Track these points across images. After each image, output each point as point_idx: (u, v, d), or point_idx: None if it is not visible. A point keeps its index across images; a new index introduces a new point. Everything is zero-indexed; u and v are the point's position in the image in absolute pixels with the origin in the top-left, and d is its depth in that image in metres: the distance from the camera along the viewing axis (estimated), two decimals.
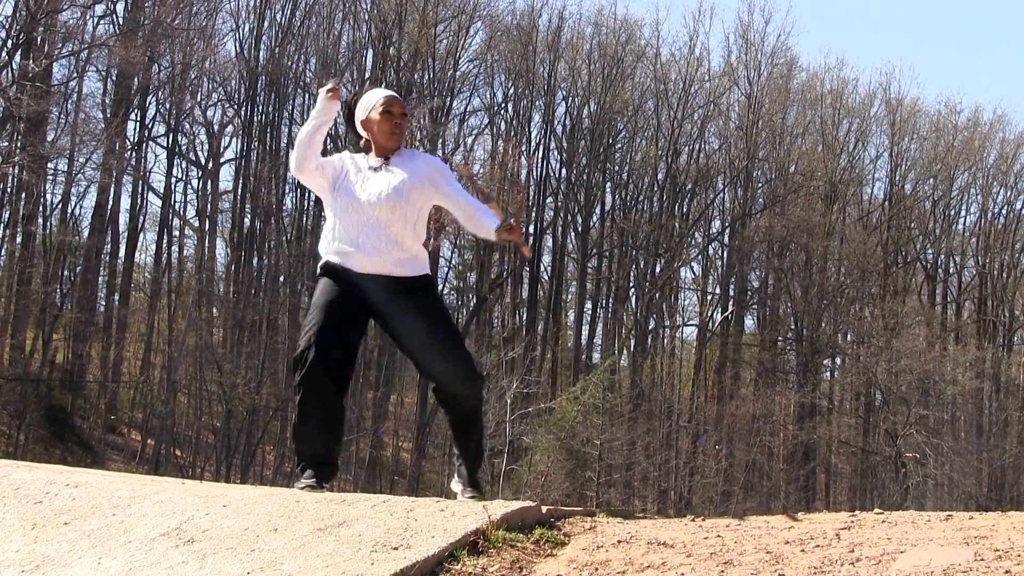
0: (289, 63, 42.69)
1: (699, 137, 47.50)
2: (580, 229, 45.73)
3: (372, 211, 4.73)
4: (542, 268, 46.64)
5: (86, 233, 38.69)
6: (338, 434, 4.88)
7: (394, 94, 4.94)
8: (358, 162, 4.87)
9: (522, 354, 36.10)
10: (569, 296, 48.10)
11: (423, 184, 4.81)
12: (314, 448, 4.76)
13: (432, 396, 5.05)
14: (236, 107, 41.88)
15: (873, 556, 3.31)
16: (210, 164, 41.05)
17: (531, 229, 45.34)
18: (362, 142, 4.92)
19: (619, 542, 3.69)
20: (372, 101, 4.86)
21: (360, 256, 4.73)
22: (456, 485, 4.90)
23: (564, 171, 46.25)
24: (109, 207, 38.69)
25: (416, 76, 43.55)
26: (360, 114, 4.89)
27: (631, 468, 37.40)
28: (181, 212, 41.86)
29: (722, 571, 3.31)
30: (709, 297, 48.44)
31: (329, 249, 4.83)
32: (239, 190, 41.65)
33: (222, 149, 41.54)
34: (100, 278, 39.40)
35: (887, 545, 3.44)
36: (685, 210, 47.73)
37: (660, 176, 46.63)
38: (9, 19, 34.14)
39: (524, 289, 45.42)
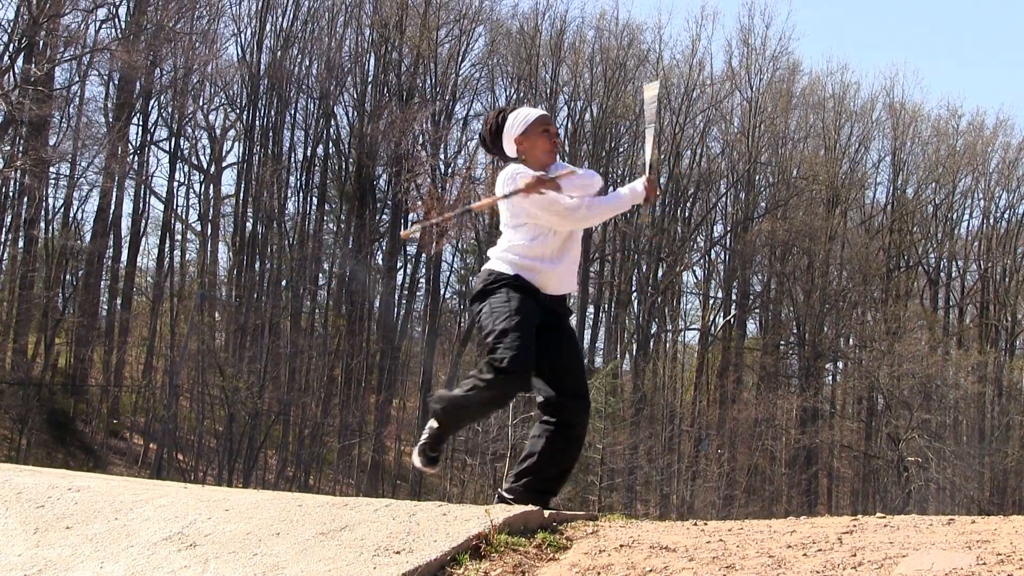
0: (291, 67, 42.75)
1: (701, 141, 47.54)
2: (582, 233, 45.68)
3: (569, 231, 5.03)
4: None
5: (88, 237, 38.73)
6: None
7: (547, 113, 5.20)
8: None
9: None
10: (571, 300, 48.07)
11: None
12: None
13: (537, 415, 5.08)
14: (238, 111, 41.97)
15: (875, 560, 3.31)
16: (212, 168, 41.09)
17: None
18: (513, 156, 5.11)
19: (621, 546, 3.69)
20: (528, 119, 5.06)
21: (554, 277, 4.95)
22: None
23: None
24: (111, 211, 38.79)
25: (418, 80, 43.60)
26: (515, 131, 5.06)
27: (633, 472, 37.42)
28: (183, 216, 41.92)
29: (724, 575, 3.31)
30: (711, 301, 48.49)
31: (510, 267, 4.92)
32: (241, 194, 41.70)
33: (224, 153, 41.62)
34: (102, 282, 39.42)
35: (889, 549, 3.44)
36: (687, 214, 47.75)
37: (662, 180, 46.64)
38: (11, 23, 34.24)
39: None
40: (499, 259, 4.96)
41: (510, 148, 5.08)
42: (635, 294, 46.43)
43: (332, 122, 43.45)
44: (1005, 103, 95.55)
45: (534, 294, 4.87)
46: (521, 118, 5.06)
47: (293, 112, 43.17)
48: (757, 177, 47.94)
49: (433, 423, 4.94)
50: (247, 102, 41.80)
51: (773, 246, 47.16)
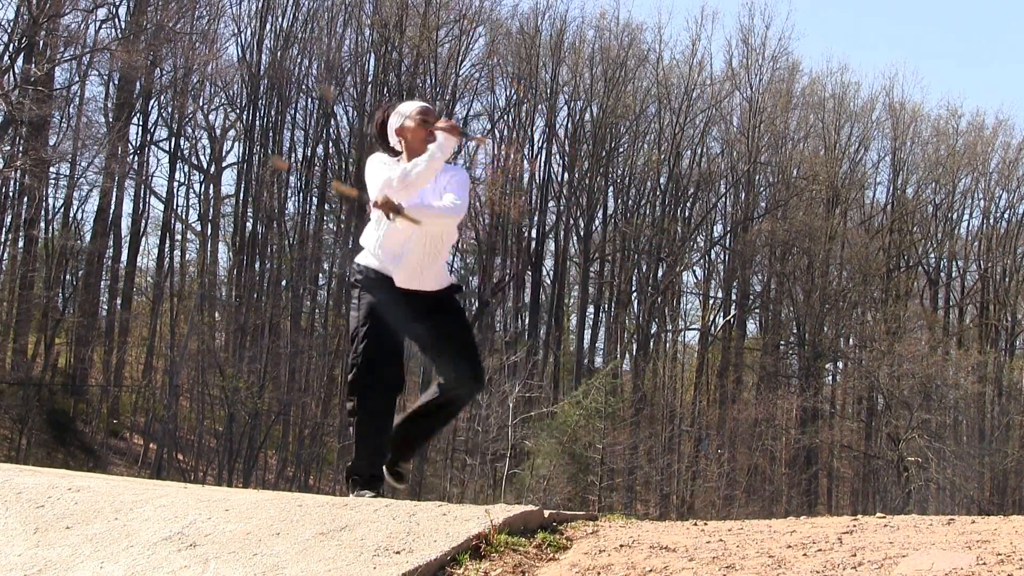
0: (291, 67, 42.76)
1: (701, 141, 47.52)
2: (582, 233, 45.73)
3: (411, 226, 4.92)
4: (544, 272, 46.70)
5: (88, 237, 38.74)
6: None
7: (428, 105, 5.25)
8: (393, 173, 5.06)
9: (524, 358, 36.12)
10: (571, 300, 48.12)
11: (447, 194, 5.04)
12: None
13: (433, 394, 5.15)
14: (238, 111, 41.97)
15: (875, 560, 3.31)
16: (212, 168, 41.09)
17: (533, 233, 45.49)
18: (398, 149, 5.15)
19: (621, 546, 3.69)
20: (407, 111, 5.13)
21: (401, 271, 4.95)
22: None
23: (566, 175, 46.30)
24: (111, 211, 38.79)
25: (418, 80, 43.58)
26: (395, 122, 5.13)
27: (633, 472, 37.42)
28: (183, 216, 41.93)
29: (724, 575, 3.31)
30: (711, 301, 48.48)
31: (371, 260, 5.03)
32: (241, 194, 41.72)
33: (224, 153, 41.63)
34: (102, 282, 39.42)
35: (889, 549, 3.44)
36: (687, 214, 47.73)
37: (662, 180, 46.64)
38: (11, 23, 34.24)
39: (526, 293, 45.44)
40: (366, 252, 5.07)
41: (393, 140, 5.16)
42: (635, 294, 46.41)
43: (332, 122, 43.48)
44: (1005, 103, 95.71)
45: (392, 288, 4.96)
46: (402, 110, 5.15)
47: (293, 112, 43.25)
48: (757, 177, 47.92)
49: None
50: (247, 102, 41.82)
51: (773, 246, 47.15)
